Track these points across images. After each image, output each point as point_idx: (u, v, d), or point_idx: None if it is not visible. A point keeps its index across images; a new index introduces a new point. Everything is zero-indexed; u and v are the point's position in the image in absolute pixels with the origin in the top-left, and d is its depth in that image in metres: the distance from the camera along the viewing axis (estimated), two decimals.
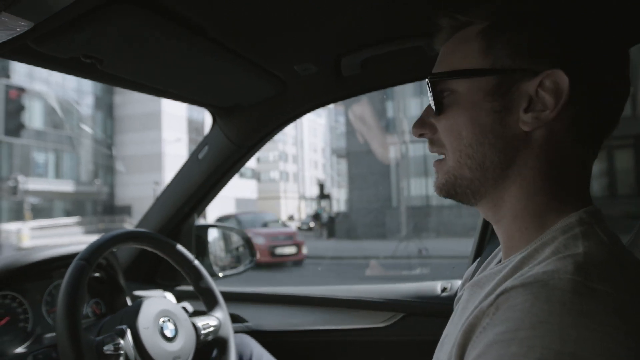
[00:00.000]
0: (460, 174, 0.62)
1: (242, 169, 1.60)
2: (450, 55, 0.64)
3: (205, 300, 1.33)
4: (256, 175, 50.59)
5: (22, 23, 0.70)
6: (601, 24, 0.57)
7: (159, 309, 1.17)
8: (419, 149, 17.95)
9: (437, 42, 0.68)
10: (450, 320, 0.71)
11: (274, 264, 12.41)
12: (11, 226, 19.95)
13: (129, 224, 28.87)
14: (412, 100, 17.82)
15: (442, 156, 0.66)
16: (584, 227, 0.55)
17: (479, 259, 0.95)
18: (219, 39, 0.96)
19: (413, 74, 1.24)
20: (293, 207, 54.77)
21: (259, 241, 11.73)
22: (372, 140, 18.76)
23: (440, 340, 0.69)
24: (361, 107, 19.04)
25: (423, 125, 0.66)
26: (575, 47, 0.56)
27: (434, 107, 0.63)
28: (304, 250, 13.26)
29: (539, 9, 0.57)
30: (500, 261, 0.68)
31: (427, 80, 0.63)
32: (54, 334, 1.21)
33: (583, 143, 0.59)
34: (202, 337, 1.23)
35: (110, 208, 34.68)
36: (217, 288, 1.34)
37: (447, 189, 0.65)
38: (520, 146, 0.58)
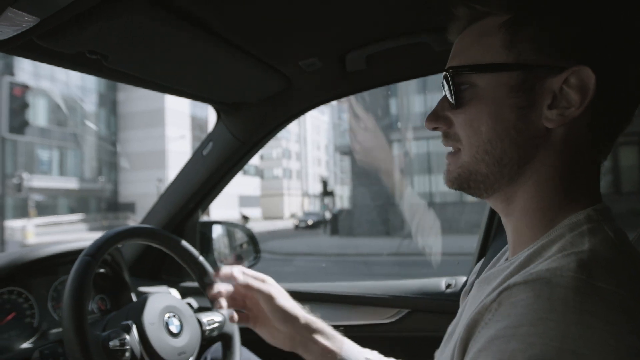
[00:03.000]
0: (476, 169, 0.61)
1: (246, 166, 1.60)
2: (469, 47, 0.61)
3: None
4: (259, 173, 50.70)
5: (27, 19, 0.70)
6: (623, 21, 0.56)
7: (164, 304, 1.17)
8: (422, 146, 17.92)
9: (451, 32, 0.66)
10: (457, 317, 0.70)
11: None
12: (16, 223, 20.07)
13: (133, 221, 28.96)
14: (415, 97, 17.78)
15: (453, 150, 0.64)
16: (591, 225, 0.54)
17: (483, 259, 0.95)
18: (224, 35, 0.96)
19: (418, 70, 1.24)
20: (296, 204, 54.82)
21: None
22: (375, 137, 18.72)
23: (447, 334, 0.69)
24: (365, 104, 19.01)
25: (437, 119, 0.64)
26: (601, 43, 0.55)
27: (452, 101, 0.61)
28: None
29: (563, 3, 0.56)
30: (508, 258, 0.68)
31: (445, 72, 0.62)
32: (60, 330, 1.22)
33: (599, 141, 0.58)
34: (207, 332, 1.23)
35: (114, 205, 34.83)
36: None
37: (460, 183, 0.63)
38: (540, 143, 0.57)
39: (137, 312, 1.12)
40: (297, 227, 30.46)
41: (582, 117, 0.55)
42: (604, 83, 0.54)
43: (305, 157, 58.17)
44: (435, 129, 0.65)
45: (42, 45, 0.84)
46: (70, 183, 31.90)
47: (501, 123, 0.58)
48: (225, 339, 1.30)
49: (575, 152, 0.57)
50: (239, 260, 1.81)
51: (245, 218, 26.11)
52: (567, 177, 0.58)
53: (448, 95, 0.62)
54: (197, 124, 37.39)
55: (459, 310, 0.73)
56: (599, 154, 0.59)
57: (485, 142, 0.59)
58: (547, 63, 0.55)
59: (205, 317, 1.25)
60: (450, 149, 0.66)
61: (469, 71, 0.60)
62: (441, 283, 1.50)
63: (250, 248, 1.82)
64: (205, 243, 1.71)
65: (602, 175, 0.61)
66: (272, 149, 54.06)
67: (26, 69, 25.57)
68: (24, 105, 9.05)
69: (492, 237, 1.45)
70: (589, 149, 0.58)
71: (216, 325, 1.26)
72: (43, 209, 27.30)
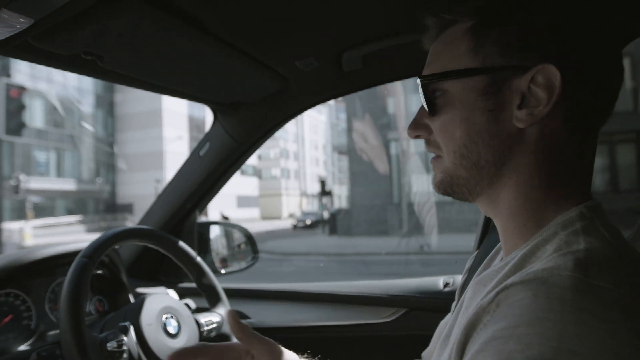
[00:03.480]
0: (456, 174, 0.62)
1: (244, 166, 1.60)
2: (439, 55, 0.63)
3: (208, 297, 1.33)
4: (257, 173, 50.67)
5: (22, 20, 0.69)
6: (591, 17, 0.56)
7: (161, 305, 1.17)
8: (420, 144, 17.93)
9: (426, 42, 0.67)
10: (453, 317, 0.70)
11: None
12: (13, 225, 20.00)
13: (131, 222, 28.90)
14: (412, 96, 17.78)
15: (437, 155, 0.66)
16: (584, 222, 0.54)
17: (474, 256, 0.96)
18: (220, 35, 0.96)
19: (414, 69, 1.24)
20: (294, 204, 54.82)
21: None
22: (372, 137, 18.72)
23: (444, 337, 0.68)
24: (362, 102, 19.01)
25: (418, 127, 0.66)
26: (564, 41, 0.56)
27: (426, 108, 0.63)
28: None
29: (525, 4, 0.57)
30: (502, 258, 0.68)
31: (418, 81, 0.63)
32: (57, 331, 1.21)
33: (578, 135, 0.58)
34: (205, 333, 1.23)
35: (112, 206, 34.78)
36: (219, 284, 1.34)
37: (445, 188, 0.65)
38: (515, 143, 0.58)
39: (134, 313, 1.12)
40: (295, 227, 30.42)
41: (555, 114, 0.56)
42: (573, 79, 0.54)
43: (303, 157, 58.15)
44: (417, 136, 0.67)
45: (37, 47, 0.84)
46: (68, 184, 31.81)
47: (473, 127, 0.59)
48: (223, 339, 1.29)
49: (553, 149, 0.57)
50: (237, 260, 1.81)
51: (226, 219, 26.13)
52: (549, 174, 0.58)
53: (423, 103, 0.63)
54: (194, 124, 37.33)
55: (454, 310, 0.73)
56: (582, 148, 0.59)
57: (460, 147, 0.60)
58: (512, 64, 0.56)
59: (203, 318, 1.25)
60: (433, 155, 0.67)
61: (438, 78, 0.61)
62: (439, 282, 1.50)
63: (248, 248, 1.82)
64: (203, 244, 1.71)
65: (600, 173, 0.61)
66: (269, 149, 54.01)
67: (22, 71, 25.50)
68: (21, 107, 9.02)
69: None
70: (568, 145, 0.58)
71: (214, 326, 1.26)
72: (40, 211, 27.23)
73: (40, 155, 30.17)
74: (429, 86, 0.62)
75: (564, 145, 0.58)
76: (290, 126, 53.43)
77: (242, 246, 1.84)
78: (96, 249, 1.08)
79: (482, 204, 0.64)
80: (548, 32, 0.56)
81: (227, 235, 1.85)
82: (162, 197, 1.61)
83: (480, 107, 0.58)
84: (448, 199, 0.68)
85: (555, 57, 0.54)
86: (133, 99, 34.65)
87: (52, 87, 30.10)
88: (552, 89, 0.55)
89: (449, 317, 0.83)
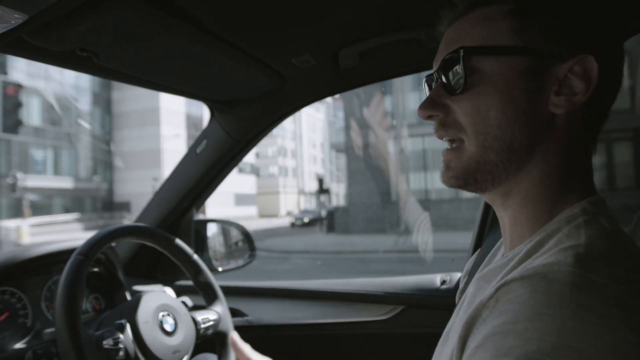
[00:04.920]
0: (484, 159, 0.59)
1: (241, 164, 1.60)
2: (472, 32, 0.60)
3: (205, 295, 1.33)
4: (255, 171, 50.61)
5: (16, 16, 0.69)
6: (618, 14, 0.58)
7: (158, 303, 1.17)
8: (418, 143, 17.95)
9: (444, 20, 0.64)
10: (455, 314, 0.70)
11: None
12: (10, 223, 19.95)
13: (128, 220, 28.80)
14: (410, 94, 17.77)
15: (453, 145, 0.62)
16: (587, 217, 0.54)
17: (478, 250, 0.95)
18: (216, 31, 0.95)
19: (412, 66, 1.24)
20: (292, 202, 54.82)
21: None
22: (370, 135, 18.71)
23: (444, 333, 0.68)
24: (359, 101, 19.00)
25: (435, 106, 0.61)
26: (603, 34, 0.57)
27: (455, 86, 0.60)
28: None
29: None
30: (504, 253, 0.68)
31: (452, 55, 0.59)
32: (53, 329, 1.21)
33: (592, 131, 0.59)
34: (201, 331, 1.23)
35: (109, 204, 34.67)
36: (216, 282, 1.34)
37: (466, 177, 0.61)
38: (547, 130, 0.57)
39: (131, 311, 1.11)
40: (293, 225, 30.39)
41: (581, 105, 0.56)
42: (604, 72, 0.55)
43: (301, 154, 58.11)
44: (429, 118, 0.63)
45: (32, 43, 0.83)
46: (65, 182, 31.70)
47: (512, 107, 0.57)
48: (220, 337, 1.29)
49: (574, 141, 0.58)
50: (234, 258, 1.81)
51: None
52: (567, 166, 0.58)
53: (449, 81, 0.60)
54: (192, 122, 37.25)
55: (455, 310, 0.72)
56: (592, 144, 0.60)
57: (494, 128, 0.57)
58: (555, 50, 0.56)
59: (200, 316, 1.24)
60: (446, 145, 0.64)
61: (479, 53, 0.58)
62: (436, 279, 1.50)
63: (246, 246, 1.82)
64: (200, 241, 1.70)
65: (597, 170, 0.61)
66: (267, 146, 53.97)
67: (19, 68, 25.39)
68: (18, 105, 9.01)
69: (487, 232, 1.46)
70: (585, 139, 0.59)
71: (211, 323, 1.26)
72: (38, 209, 27.10)
73: (38, 153, 30.05)
74: (458, 62, 0.58)
75: (581, 139, 0.58)
76: (288, 124, 53.38)
77: (240, 244, 1.84)
78: (92, 246, 1.08)
79: (497, 195, 0.62)
80: (590, 24, 0.56)
81: (225, 233, 1.85)
82: (159, 195, 1.61)
83: (520, 87, 0.57)
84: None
85: (594, 50, 0.55)
86: (130, 97, 34.54)
87: (49, 85, 29.95)
88: (589, 79, 0.55)
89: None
